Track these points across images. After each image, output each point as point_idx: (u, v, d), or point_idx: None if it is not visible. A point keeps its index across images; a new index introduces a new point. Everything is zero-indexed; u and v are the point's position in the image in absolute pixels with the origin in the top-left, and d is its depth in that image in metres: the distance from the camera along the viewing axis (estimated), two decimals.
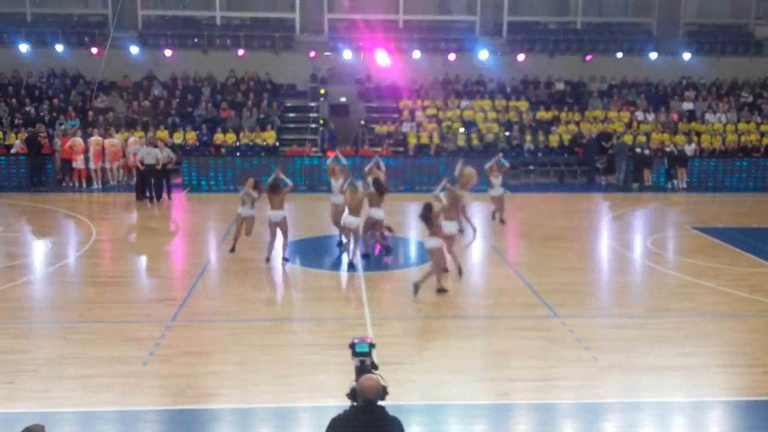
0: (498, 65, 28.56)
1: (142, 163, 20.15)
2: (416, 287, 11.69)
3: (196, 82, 27.94)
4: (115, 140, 22.63)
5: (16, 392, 8.20)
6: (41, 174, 22.47)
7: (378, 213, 13.85)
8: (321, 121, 26.30)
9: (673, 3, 30.26)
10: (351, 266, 13.47)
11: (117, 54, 26.50)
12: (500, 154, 17.94)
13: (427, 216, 11.70)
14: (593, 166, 24.64)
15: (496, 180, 16.96)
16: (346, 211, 13.71)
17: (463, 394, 8.29)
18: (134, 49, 27.41)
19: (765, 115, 27.30)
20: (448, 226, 12.43)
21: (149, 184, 20.39)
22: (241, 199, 14.25)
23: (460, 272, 12.91)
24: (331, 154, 23.67)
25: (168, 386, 8.42)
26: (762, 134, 26.22)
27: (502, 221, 17.08)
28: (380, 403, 4.80)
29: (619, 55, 28.71)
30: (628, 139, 25.00)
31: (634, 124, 26.45)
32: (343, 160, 15.85)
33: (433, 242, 11.76)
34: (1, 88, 26.61)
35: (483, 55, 28.15)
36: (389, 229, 14.33)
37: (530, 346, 9.72)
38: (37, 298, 11.90)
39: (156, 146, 20.69)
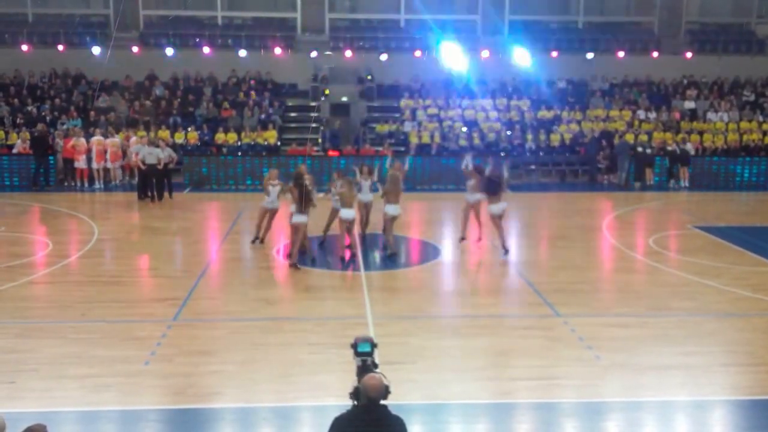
0: (499, 64, 28.53)
1: (143, 162, 20.16)
2: (506, 250, 14.07)
3: (198, 81, 27.94)
4: (115, 140, 22.63)
5: (18, 392, 8.20)
6: (46, 174, 22.43)
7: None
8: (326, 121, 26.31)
9: (675, 2, 30.24)
10: (353, 261, 13.59)
11: (118, 54, 26.51)
12: (471, 154, 16.07)
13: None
14: (595, 166, 24.61)
15: (471, 183, 15.03)
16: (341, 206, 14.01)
17: (465, 393, 8.28)
18: (136, 49, 27.42)
19: (767, 114, 27.25)
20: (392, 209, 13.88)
21: (151, 183, 20.40)
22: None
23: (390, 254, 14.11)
24: (332, 154, 23.85)
25: (170, 385, 8.42)
26: (764, 133, 26.18)
27: (479, 239, 15.25)
28: (383, 402, 4.79)
29: (621, 54, 28.68)
30: (630, 138, 24.97)
31: (636, 123, 26.42)
32: None
33: (501, 207, 14.00)
34: (3, 88, 26.61)
35: (484, 54, 28.13)
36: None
37: (532, 345, 9.71)
38: (39, 297, 11.90)
39: (158, 146, 20.72)
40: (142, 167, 20.24)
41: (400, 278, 13.25)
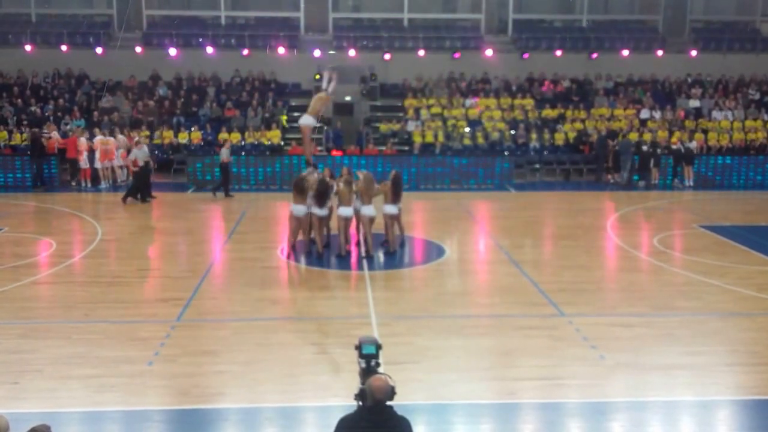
0: (503, 63, 28.50)
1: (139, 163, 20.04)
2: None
3: (201, 81, 27.95)
4: (109, 139, 22.57)
5: (22, 392, 8.20)
6: (42, 175, 22.40)
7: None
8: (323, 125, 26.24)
9: (680, 0, 30.18)
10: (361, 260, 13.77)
11: (122, 54, 26.54)
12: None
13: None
14: (602, 164, 24.43)
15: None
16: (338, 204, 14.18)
17: (469, 393, 8.26)
18: (139, 49, 27.45)
19: None
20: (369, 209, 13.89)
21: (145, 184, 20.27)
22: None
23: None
24: (336, 153, 23.84)
25: (173, 386, 8.41)
26: None
27: (369, 254, 14.14)
28: (388, 403, 4.77)
29: (625, 52, 28.61)
30: (633, 136, 24.90)
31: (636, 122, 26.33)
32: None
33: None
34: (7, 88, 26.66)
35: (488, 53, 28.13)
36: None
37: (536, 344, 9.68)
38: (43, 298, 11.91)
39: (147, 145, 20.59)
40: (136, 168, 20.10)
41: (404, 278, 13.23)
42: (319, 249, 14.16)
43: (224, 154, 21.26)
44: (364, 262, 13.70)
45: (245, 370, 8.81)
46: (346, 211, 13.95)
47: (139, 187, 20.17)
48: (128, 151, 22.65)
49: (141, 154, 20.27)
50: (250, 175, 23.11)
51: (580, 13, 30.52)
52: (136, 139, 21.65)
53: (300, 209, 13.88)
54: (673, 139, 24.45)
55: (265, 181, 22.94)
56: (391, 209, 14.30)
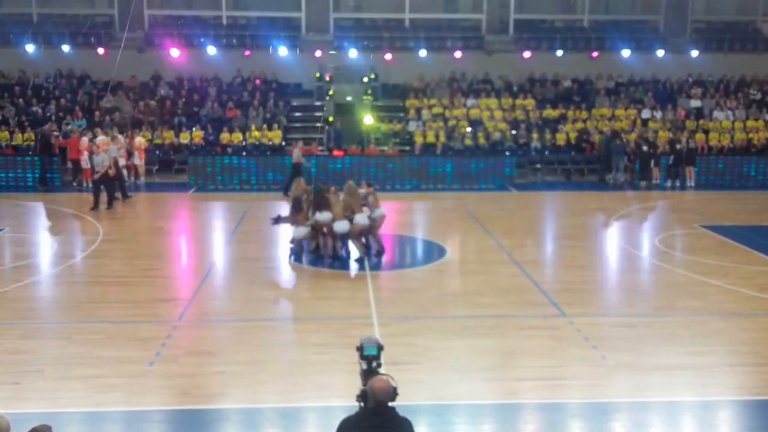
0: (504, 63, 28.50)
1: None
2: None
3: (203, 81, 27.96)
4: (107, 139, 22.45)
5: (23, 392, 8.20)
6: (49, 174, 22.41)
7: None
8: (330, 119, 26.27)
9: (681, 0, 30.16)
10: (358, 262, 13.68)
11: (123, 54, 26.52)
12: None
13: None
14: (606, 164, 24.32)
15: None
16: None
17: (471, 394, 8.25)
18: (140, 49, 27.45)
19: None
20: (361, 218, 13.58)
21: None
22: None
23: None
24: (337, 154, 23.85)
25: (174, 386, 8.41)
26: None
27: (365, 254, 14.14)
28: (390, 404, 4.76)
29: (626, 52, 28.60)
30: (632, 137, 24.85)
31: (638, 121, 26.32)
32: None
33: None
34: (8, 89, 26.69)
35: (489, 53, 28.12)
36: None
37: (538, 345, 9.67)
38: (44, 298, 11.91)
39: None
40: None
41: (405, 278, 13.22)
42: (363, 251, 13.87)
43: (296, 154, 21.35)
44: (366, 263, 13.69)
45: (246, 371, 8.81)
46: (323, 216, 13.57)
47: (111, 192, 19.47)
48: (129, 153, 22.66)
49: (98, 159, 19.43)
50: (251, 174, 23.11)
51: (581, 13, 30.52)
52: (97, 142, 20.71)
53: (301, 231, 13.65)
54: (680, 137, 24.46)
55: (266, 181, 22.95)
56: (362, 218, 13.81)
